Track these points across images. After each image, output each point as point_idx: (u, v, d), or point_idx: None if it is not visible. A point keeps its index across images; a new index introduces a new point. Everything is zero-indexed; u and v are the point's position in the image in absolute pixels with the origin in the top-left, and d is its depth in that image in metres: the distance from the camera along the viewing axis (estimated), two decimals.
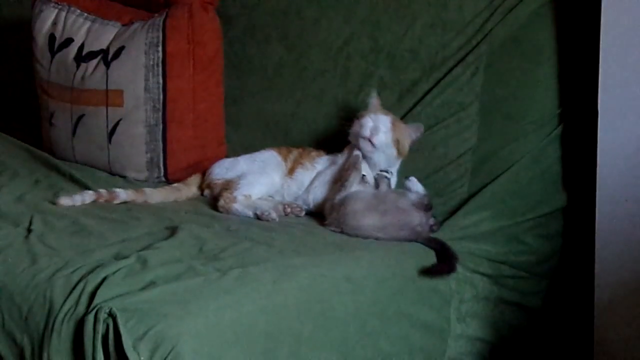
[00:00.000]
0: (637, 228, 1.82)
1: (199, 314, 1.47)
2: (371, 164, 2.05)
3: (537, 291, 2.01)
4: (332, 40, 2.29)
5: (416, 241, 1.87)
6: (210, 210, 2.08)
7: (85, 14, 2.44)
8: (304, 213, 2.07)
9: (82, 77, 2.36)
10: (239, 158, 2.22)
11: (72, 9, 2.45)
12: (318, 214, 2.04)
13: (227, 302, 1.51)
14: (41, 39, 2.48)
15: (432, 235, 1.89)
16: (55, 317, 1.51)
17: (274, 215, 1.99)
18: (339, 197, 1.97)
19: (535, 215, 2.00)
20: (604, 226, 1.87)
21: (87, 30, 2.41)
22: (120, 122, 2.30)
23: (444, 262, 1.82)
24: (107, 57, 2.34)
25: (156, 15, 2.34)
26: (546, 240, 2.02)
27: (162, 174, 2.31)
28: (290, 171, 2.14)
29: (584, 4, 1.98)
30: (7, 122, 2.84)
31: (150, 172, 2.31)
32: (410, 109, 2.13)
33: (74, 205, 2.02)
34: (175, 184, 2.23)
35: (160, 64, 2.28)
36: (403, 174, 2.08)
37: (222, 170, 2.19)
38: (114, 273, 1.57)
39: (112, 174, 2.34)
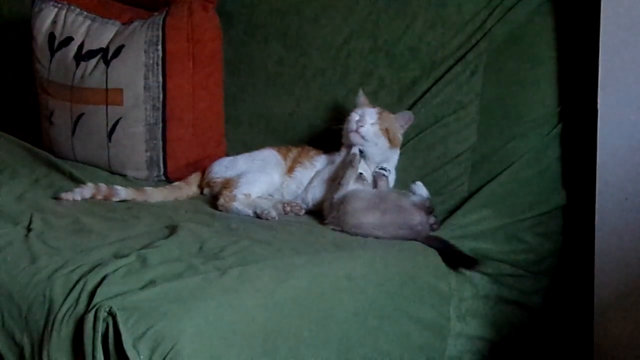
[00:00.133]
0: (637, 226, 1.82)
1: (198, 312, 1.46)
2: (367, 159, 2.06)
3: (537, 289, 2.01)
4: (331, 39, 2.29)
5: (416, 240, 1.87)
6: (210, 209, 2.08)
7: (85, 13, 2.44)
8: (303, 212, 2.07)
9: (82, 76, 2.36)
10: (238, 157, 2.23)
11: (72, 7, 2.45)
12: (317, 213, 2.04)
13: (227, 300, 1.51)
14: (41, 37, 2.48)
15: (433, 234, 1.90)
16: (55, 316, 1.51)
17: (273, 214, 1.99)
18: (337, 195, 1.97)
19: (535, 213, 2.00)
20: (603, 224, 1.87)
21: (87, 29, 2.41)
22: (120, 120, 2.30)
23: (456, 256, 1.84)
24: (107, 55, 2.34)
25: (156, 14, 2.34)
26: (546, 239, 2.02)
27: (161, 172, 2.31)
28: (290, 170, 2.14)
29: (583, 2, 1.98)
30: (7, 121, 2.84)
31: (150, 170, 2.31)
32: (410, 108, 2.12)
33: (75, 199, 2.03)
34: (175, 183, 2.23)
35: (160, 63, 2.28)
36: (403, 173, 2.08)
37: (222, 169, 2.20)
38: (113, 272, 1.57)
39: (112, 172, 2.34)
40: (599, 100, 1.84)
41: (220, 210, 2.06)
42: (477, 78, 2.08)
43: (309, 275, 1.66)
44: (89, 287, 1.52)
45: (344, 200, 1.94)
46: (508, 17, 2.07)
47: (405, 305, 1.76)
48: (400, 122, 2.07)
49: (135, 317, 1.43)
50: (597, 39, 1.83)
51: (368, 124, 2.04)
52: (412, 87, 2.15)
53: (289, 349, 1.54)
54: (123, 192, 2.09)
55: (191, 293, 1.51)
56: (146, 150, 2.30)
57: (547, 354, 2.02)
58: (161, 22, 2.30)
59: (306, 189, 2.11)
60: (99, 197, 2.07)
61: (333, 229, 1.92)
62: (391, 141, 2.06)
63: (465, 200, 2.01)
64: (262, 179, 2.12)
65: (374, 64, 2.22)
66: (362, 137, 2.04)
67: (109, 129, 2.32)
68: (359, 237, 1.87)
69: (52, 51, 2.45)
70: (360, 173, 2.02)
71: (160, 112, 2.28)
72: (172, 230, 1.81)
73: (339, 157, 2.09)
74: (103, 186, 2.08)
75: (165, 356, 1.39)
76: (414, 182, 1.99)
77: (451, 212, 1.99)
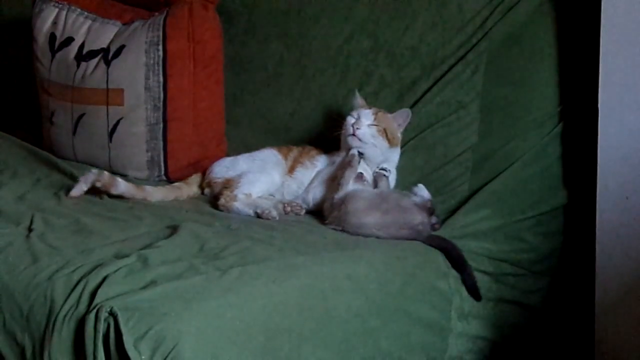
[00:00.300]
0: (638, 225, 1.82)
1: (199, 312, 1.47)
2: (367, 159, 2.05)
3: (538, 289, 2.01)
4: (332, 38, 2.29)
5: (417, 240, 1.87)
6: (210, 209, 2.09)
7: (86, 13, 2.44)
8: (304, 212, 2.07)
9: (83, 76, 2.36)
10: (239, 157, 2.23)
11: (73, 8, 2.46)
12: (318, 213, 2.04)
13: (228, 300, 1.51)
14: (42, 38, 2.48)
15: (434, 233, 1.90)
16: (56, 316, 1.51)
17: (274, 213, 1.99)
18: (338, 195, 1.97)
19: (536, 213, 2.00)
20: (604, 224, 1.87)
21: (88, 29, 2.41)
22: (121, 120, 2.31)
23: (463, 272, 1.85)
24: (108, 56, 2.34)
25: (156, 14, 2.35)
26: (547, 238, 2.02)
27: (162, 172, 2.31)
28: (291, 170, 2.14)
29: (584, 2, 1.98)
30: (7, 121, 2.84)
31: (151, 170, 2.32)
32: (411, 107, 2.12)
33: (83, 190, 2.05)
34: (176, 183, 2.23)
35: (160, 63, 2.28)
36: (404, 172, 2.08)
37: (223, 169, 2.20)
38: (114, 272, 1.57)
39: (113, 172, 2.33)
40: (599, 100, 1.84)
41: (221, 210, 2.06)
42: (477, 78, 2.08)
43: (310, 275, 1.65)
44: (90, 287, 1.52)
45: (345, 200, 1.94)
46: (509, 17, 2.07)
47: (406, 305, 1.76)
48: (398, 121, 2.07)
49: (137, 317, 1.43)
50: (598, 38, 1.83)
51: (364, 126, 2.04)
52: (413, 87, 2.15)
53: (290, 348, 1.54)
54: (123, 185, 2.08)
55: (192, 293, 1.51)
56: (147, 151, 2.31)
57: (548, 353, 2.02)
58: (162, 22, 2.30)
59: (307, 189, 2.11)
60: (99, 184, 2.06)
61: (334, 229, 1.92)
62: (390, 141, 2.06)
63: (466, 200, 2.01)
64: (263, 179, 2.12)
65: (374, 64, 2.22)
66: (360, 140, 2.04)
67: (109, 129, 2.32)
68: (360, 237, 1.88)
69: (53, 51, 2.45)
70: (361, 173, 2.02)
71: (161, 112, 2.28)
72: (173, 230, 1.81)
73: (339, 157, 2.09)
74: (106, 174, 2.08)
75: (167, 356, 1.39)
76: (415, 185, 1.99)
77: (452, 212, 1.99)
